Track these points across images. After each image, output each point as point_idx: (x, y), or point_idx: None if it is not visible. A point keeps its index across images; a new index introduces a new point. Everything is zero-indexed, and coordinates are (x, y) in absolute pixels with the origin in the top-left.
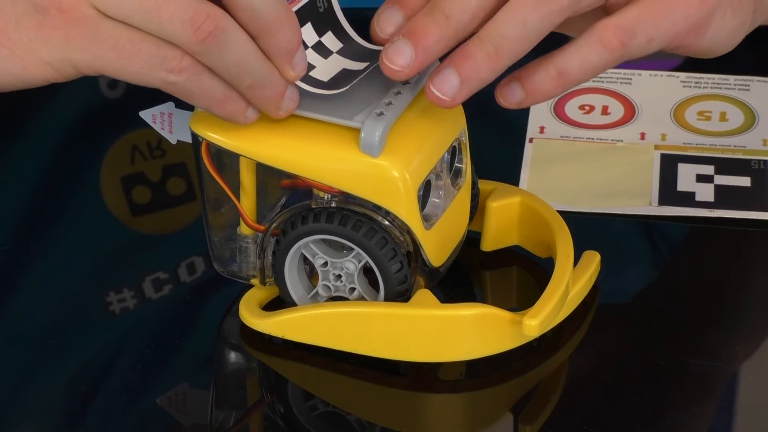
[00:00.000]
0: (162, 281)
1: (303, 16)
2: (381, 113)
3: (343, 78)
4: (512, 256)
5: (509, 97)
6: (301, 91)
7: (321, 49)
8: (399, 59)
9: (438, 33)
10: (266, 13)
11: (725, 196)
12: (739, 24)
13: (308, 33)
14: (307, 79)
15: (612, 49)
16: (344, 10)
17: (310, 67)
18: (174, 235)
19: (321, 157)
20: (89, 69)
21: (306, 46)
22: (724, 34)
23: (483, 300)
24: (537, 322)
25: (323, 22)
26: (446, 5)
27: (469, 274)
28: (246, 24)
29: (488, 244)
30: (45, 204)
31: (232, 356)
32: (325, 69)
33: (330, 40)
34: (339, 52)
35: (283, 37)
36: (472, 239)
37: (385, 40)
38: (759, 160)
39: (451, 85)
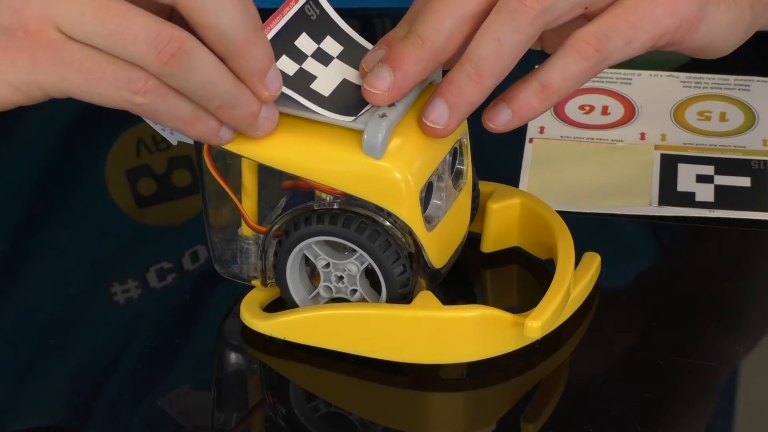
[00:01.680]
0: (165, 271)
1: (295, 27)
2: (384, 115)
3: (344, 90)
4: (512, 256)
5: (496, 120)
6: (303, 98)
7: (321, 57)
8: (379, 84)
9: (415, 56)
10: (234, 34)
11: (725, 196)
12: (736, 18)
13: (305, 42)
14: (307, 92)
15: (588, 56)
16: (344, 11)
17: (311, 78)
18: (178, 227)
19: (323, 158)
20: (56, 91)
21: (305, 56)
22: (721, 28)
23: (483, 301)
24: (539, 324)
25: (319, 28)
26: (421, 29)
27: (470, 275)
28: (214, 46)
29: (488, 245)
30: (50, 195)
31: (233, 357)
32: (326, 80)
33: (329, 44)
34: (340, 56)
35: (252, 58)
36: (472, 240)
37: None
38: (759, 160)
39: (441, 113)
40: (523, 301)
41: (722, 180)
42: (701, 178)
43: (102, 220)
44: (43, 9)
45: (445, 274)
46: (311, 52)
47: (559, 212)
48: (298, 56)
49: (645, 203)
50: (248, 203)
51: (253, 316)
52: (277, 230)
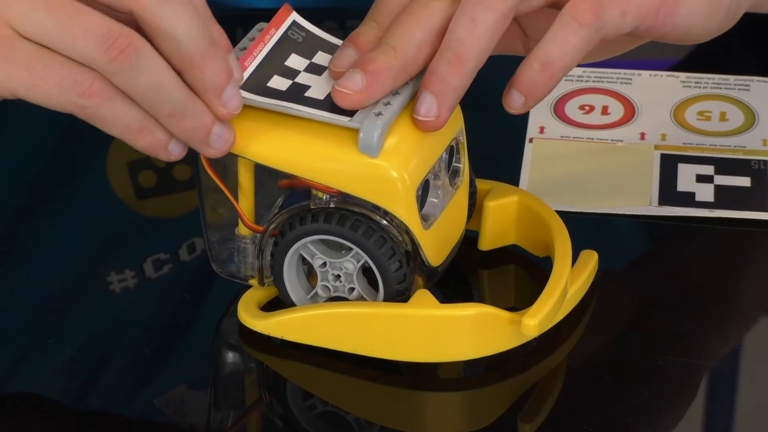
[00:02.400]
0: (163, 269)
1: (282, 51)
2: (379, 113)
3: None
4: (510, 255)
5: (513, 104)
6: (298, 105)
7: (314, 69)
8: (351, 84)
9: (387, 63)
10: (189, 45)
11: (725, 196)
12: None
13: (296, 61)
14: (304, 99)
15: (587, 24)
16: (343, 11)
17: (305, 87)
18: (177, 225)
19: (319, 157)
20: (3, 89)
21: (297, 72)
22: (701, 9)
23: (481, 299)
24: (536, 322)
25: (307, 47)
26: (393, 40)
27: (467, 274)
28: (170, 57)
29: (486, 243)
30: (52, 185)
31: (231, 356)
32: (321, 86)
33: (322, 57)
34: None
35: (208, 71)
36: (469, 238)
37: (340, 73)
38: (759, 160)
39: (430, 106)
40: (521, 300)
41: (722, 180)
42: (701, 178)
43: (101, 212)
44: None
45: (442, 272)
46: (304, 67)
47: (559, 212)
48: (291, 73)
49: (645, 203)
50: (245, 202)
51: (250, 315)
52: (273, 230)
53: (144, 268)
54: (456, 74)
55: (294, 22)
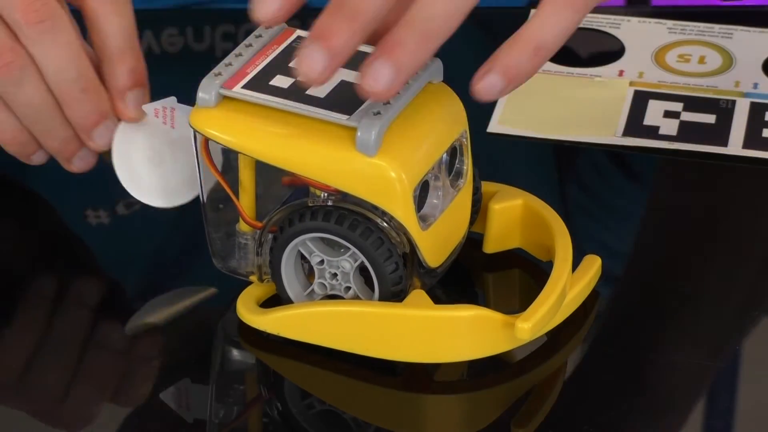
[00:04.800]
0: (165, 265)
1: (285, 57)
2: (378, 112)
3: (341, 90)
4: (514, 258)
5: (489, 90)
6: (297, 103)
7: None
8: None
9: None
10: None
11: (688, 131)
12: None
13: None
14: (304, 97)
15: (578, 9)
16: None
17: (306, 86)
18: (176, 220)
19: (317, 155)
20: None
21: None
22: None
23: (485, 302)
24: (529, 325)
25: None
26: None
27: (471, 277)
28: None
29: (490, 246)
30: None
31: (229, 353)
32: (324, 84)
33: None
34: None
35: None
36: (474, 241)
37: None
38: (728, 100)
39: (389, 78)
40: (524, 304)
41: (688, 116)
42: (668, 114)
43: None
44: None
45: (441, 273)
46: None
47: (527, 138)
48: (294, 73)
49: (610, 134)
50: (245, 199)
51: (248, 312)
52: (272, 225)
53: (147, 268)
54: (425, 51)
55: (298, 36)
